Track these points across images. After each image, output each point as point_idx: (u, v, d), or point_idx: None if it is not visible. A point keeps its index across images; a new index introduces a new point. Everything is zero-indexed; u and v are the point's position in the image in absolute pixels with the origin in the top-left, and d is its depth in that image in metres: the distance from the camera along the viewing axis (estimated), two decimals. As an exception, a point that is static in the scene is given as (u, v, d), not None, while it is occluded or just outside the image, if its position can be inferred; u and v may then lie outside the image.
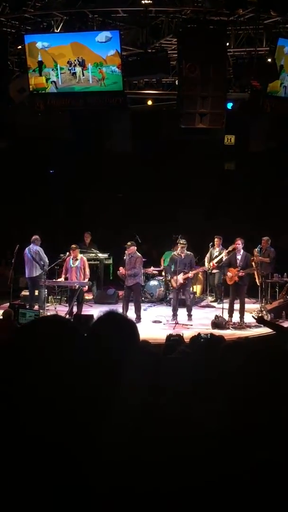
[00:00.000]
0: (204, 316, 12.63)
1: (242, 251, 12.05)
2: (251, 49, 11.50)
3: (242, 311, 11.93)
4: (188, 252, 12.39)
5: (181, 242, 12.33)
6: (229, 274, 12.03)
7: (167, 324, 11.79)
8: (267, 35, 11.53)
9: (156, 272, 14.59)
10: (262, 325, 11.53)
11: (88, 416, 1.36)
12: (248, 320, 11.97)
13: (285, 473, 1.41)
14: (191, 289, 12.70)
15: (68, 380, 1.36)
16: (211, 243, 14.21)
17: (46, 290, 12.16)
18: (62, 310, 12.10)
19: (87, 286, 12.22)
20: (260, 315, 10.25)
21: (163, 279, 14.39)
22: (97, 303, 13.62)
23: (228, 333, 10.62)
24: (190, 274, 12.33)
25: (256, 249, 12.70)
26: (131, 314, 11.55)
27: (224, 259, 13.36)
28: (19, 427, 1.32)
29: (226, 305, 12.10)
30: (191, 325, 11.27)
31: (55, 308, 11.92)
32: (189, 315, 12.16)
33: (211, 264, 13.92)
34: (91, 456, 1.32)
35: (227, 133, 13.36)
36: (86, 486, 1.28)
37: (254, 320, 11.35)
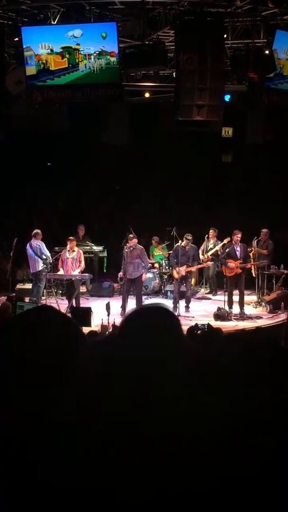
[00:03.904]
0: (202, 308, 12.71)
1: (239, 243, 12.10)
2: (248, 41, 11.48)
3: (241, 302, 11.99)
4: (193, 245, 12.47)
5: (187, 237, 12.42)
6: (231, 265, 12.00)
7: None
8: (265, 27, 11.50)
9: (151, 264, 14.61)
10: (262, 316, 11.66)
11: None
12: (249, 311, 12.08)
13: (284, 459, 1.44)
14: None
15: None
16: (207, 235, 14.25)
17: (46, 284, 12.14)
18: (61, 304, 12.05)
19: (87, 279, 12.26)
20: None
21: (158, 272, 14.40)
22: (93, 296, 13.66)
23: (231, 325, 10.80)
24: (194, 269, 12.45)
25: (254, 241, 12.74)
26: (131, 306, 11.58)
27: (219, 252, 13.42)
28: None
29: (222, 297, 12.15)
30: (193, 317, 11.32)
31: (57, 301, 11.83)
32: (187, 307, 12.22)
33: (205, 256, 13.97)
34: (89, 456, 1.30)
35: (225, 126, 13.35)
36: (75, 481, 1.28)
37: (255, 311, 11.42)
